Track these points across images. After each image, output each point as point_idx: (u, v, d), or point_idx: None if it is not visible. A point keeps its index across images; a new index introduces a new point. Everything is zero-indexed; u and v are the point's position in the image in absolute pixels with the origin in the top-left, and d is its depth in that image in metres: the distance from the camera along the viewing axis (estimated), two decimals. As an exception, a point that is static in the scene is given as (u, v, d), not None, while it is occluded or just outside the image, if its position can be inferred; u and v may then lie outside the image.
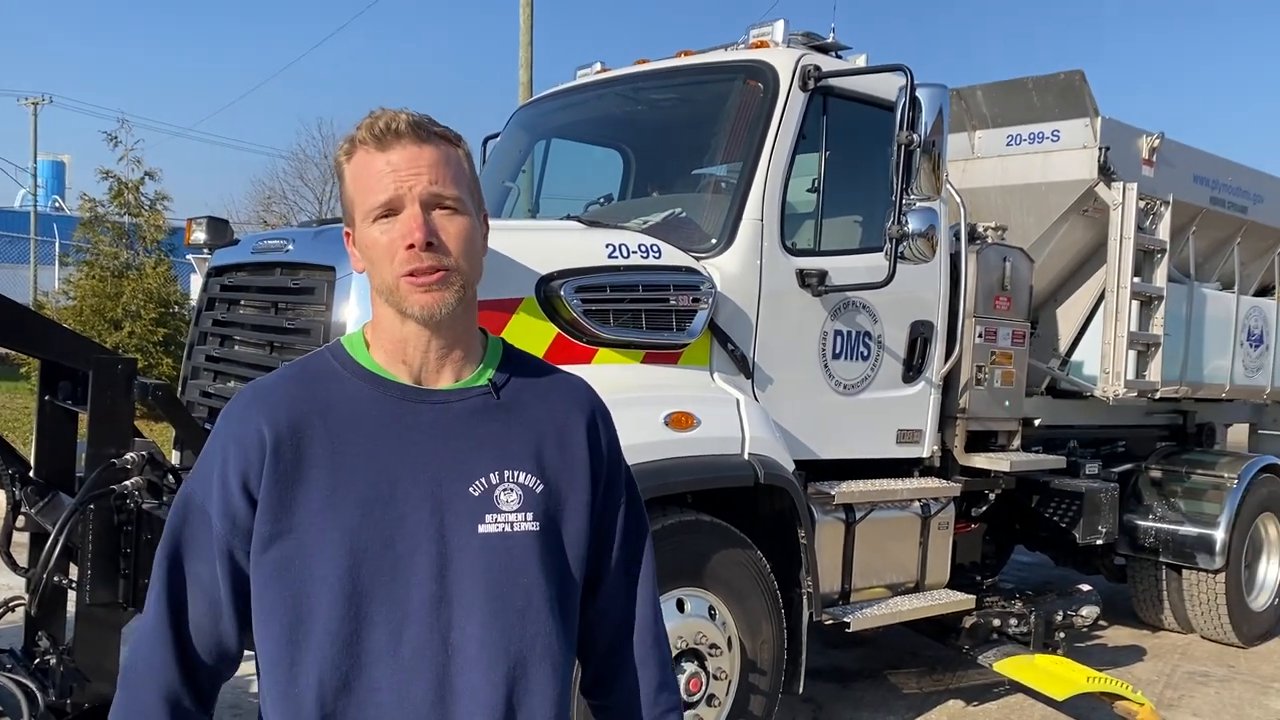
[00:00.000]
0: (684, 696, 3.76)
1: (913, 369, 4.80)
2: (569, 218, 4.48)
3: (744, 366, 4.18)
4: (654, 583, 1.65)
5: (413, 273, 1.43)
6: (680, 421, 3.74)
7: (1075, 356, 6.18)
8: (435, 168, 1.44)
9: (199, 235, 4.45)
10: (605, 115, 5.36)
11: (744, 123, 4.39)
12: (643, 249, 3.97)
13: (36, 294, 19.36)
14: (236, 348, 4.13)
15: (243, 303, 4.14)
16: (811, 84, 4.34)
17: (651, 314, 3.90)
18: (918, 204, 4.15)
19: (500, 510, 1.47)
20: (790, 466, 4.13)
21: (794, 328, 4.36)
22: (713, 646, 3.85)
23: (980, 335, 5.07)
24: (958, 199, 5.00)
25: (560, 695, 1.51)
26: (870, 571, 4.65)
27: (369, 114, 1.48)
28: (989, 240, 5.21)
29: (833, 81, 4.39)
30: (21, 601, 3.40)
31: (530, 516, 1.49)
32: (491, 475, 1.48)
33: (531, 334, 3.64)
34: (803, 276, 4.32)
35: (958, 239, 4.99)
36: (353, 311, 3.48)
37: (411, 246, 1.42)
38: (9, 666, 3.28)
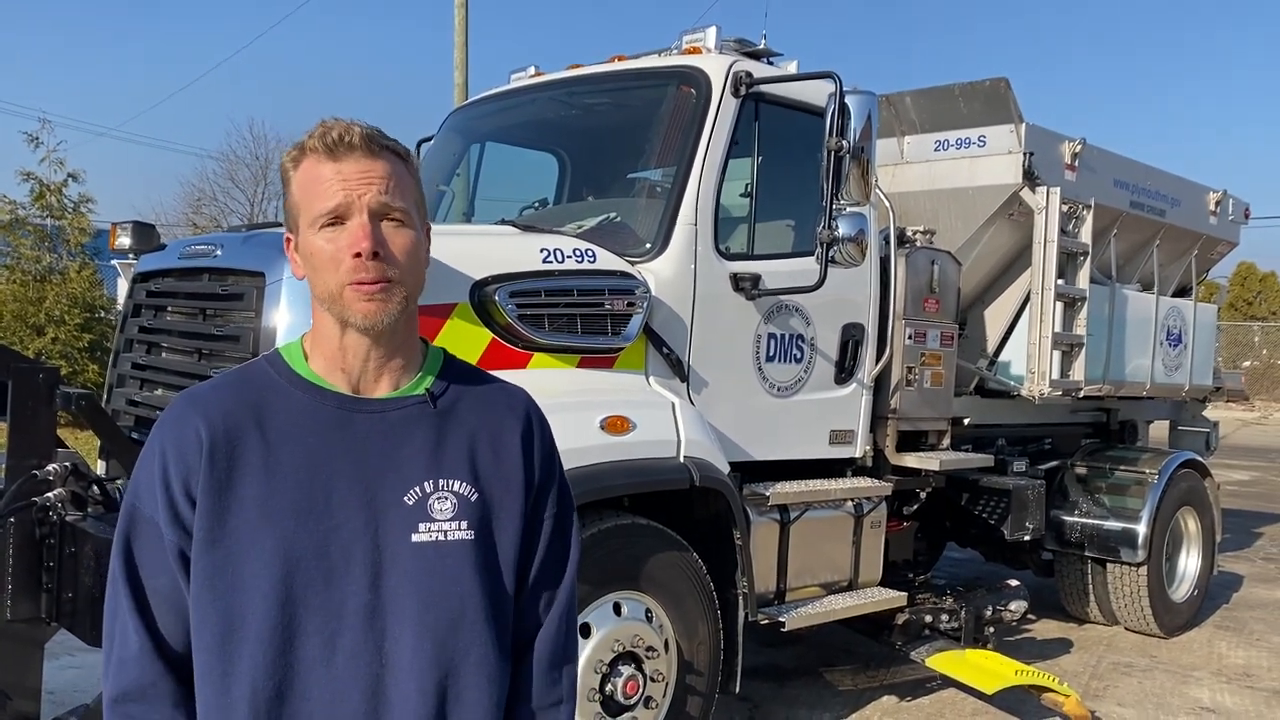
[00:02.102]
0: (621, 699, 3.78)
1: (844, 371, 4.87)
2: (503, 222, 4.48)
3: (679, 370, 4.22)
4: (572, 590, 1.64)
5: (358, 281, 1.44)
6: (616, 425, 3.76)
7: (1002, 357, 6.33)
8: (385, 180, 1.46)
9: (124, 240, 4.36)
10: (540, 119, 5.36)
11: (677, 128, 4.43)
12: (577, 253, 3.98)
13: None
14: (164, 355, 4.05)
15: (170, 309, 4.07)
16: (743, 90, 4.39)
17: (586, 318, 3.91)
18: (848, 209, 4.22)
19: (434, 519, 1.48)
20: (725, 469, 4.18)
21: (728, 331, 4.41)
22: (650, 649, 3.88)
23: (910, 337, 5.17)
24: (887, 203, 5.09)
25: (495, 706, 1.52)
26: (805, 571, 4.72)
27: (320, 123, 1.49)
28: (918, 244, 5.31)
29: (764, 87, 4.44)
30: (-62, 618, 3.30)
31: (465, 525, 1.50)
32: (426, 484, 1.49)
33: (466, 339, 3.63)
34: (736, 280, 4.37)
35: (887, 243, 5.08)
36: (283, 317, 3.44)
37: (358, 255, 1.44)
38: (-75, 685, 3.18)
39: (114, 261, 4.63)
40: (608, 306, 3.95)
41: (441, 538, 1.48)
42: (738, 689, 4.25)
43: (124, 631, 1.48)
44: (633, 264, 4.12)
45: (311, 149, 1.47)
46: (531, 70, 5.38)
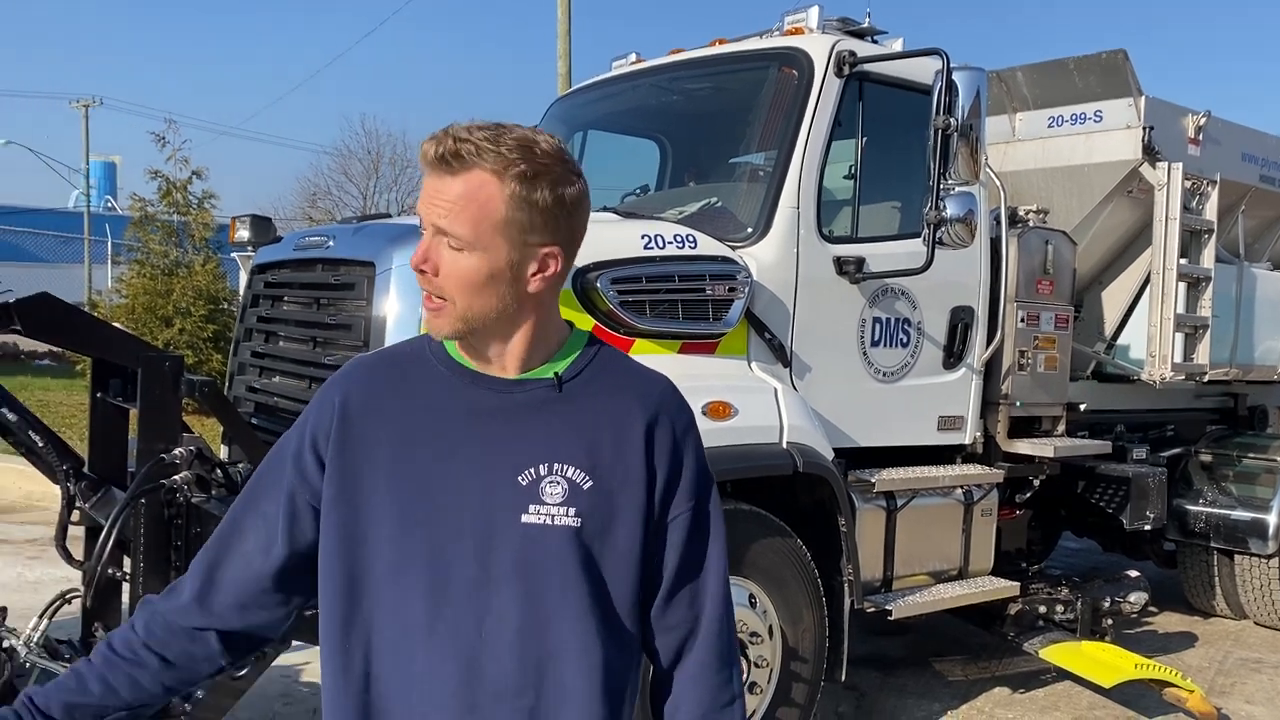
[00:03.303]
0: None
1: (953, 355, 4.76)
2: (604, 209, 4.50)
3: (781, 355, 4.18)
4: (724, 591, 1.61)
5: (425, 293, 1.50)
6: (717, 411, 3.75)
7: (1121, 340, 6.09)
8: (451, 203, 1.45)
9: (243, 233, 4.54)
10: (641, 105, 5.37)
11: (779, 110, 4.38)
12: (678, 239, 3.98)
13: (91, 293, 19.76)
14: (281, 343, 4.21)
15: (286, 299, 4.22)
16: (846, 70, 4.31)
17: (688, 304, 3.91)
18: (956, 189, 4.12)
19: (544, 502, 1.48)
20: (829, 455, 4.13)
21: (832, 315, 4.35)
22: (753, 635, 3.87)
23: (1022, 320, 5.02)
24: (997, 182, 4.95)
25: (601, 695, 1.51)
26: (912, 559, 4.63)
27: (439, 130, 1.49)
28: (1030, 224, 5.15)
29: (868, 67, 4.36)
30: (78, 593, 3.49)
31: (573, 512, 1.49)
32: (541, 467, 1.49)
33: (568, 326, 3.66)
34: (840, 264, 4.30)
35: (998, 223, 4.94)
36: (392, 306, 3.53)
37: (416, 267, 1.50)
38: (68, 657, 3.37)
39: (234, 254, 4.83)
40: (709, 292, 3.93)
41: (549, 522, 1.48)
42: (844, 677, 4.21)
43: (215, 532, 1.64)
44: (734, 249, 4.10)
45: (420, 157, 1.51)
46: (633, 57, 5.39)
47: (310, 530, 1.57)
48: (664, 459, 1.55)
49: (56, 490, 3.66)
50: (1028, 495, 5.35)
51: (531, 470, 1.49)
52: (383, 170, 32.64)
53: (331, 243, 3.91)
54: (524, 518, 1.48)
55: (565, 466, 1.50)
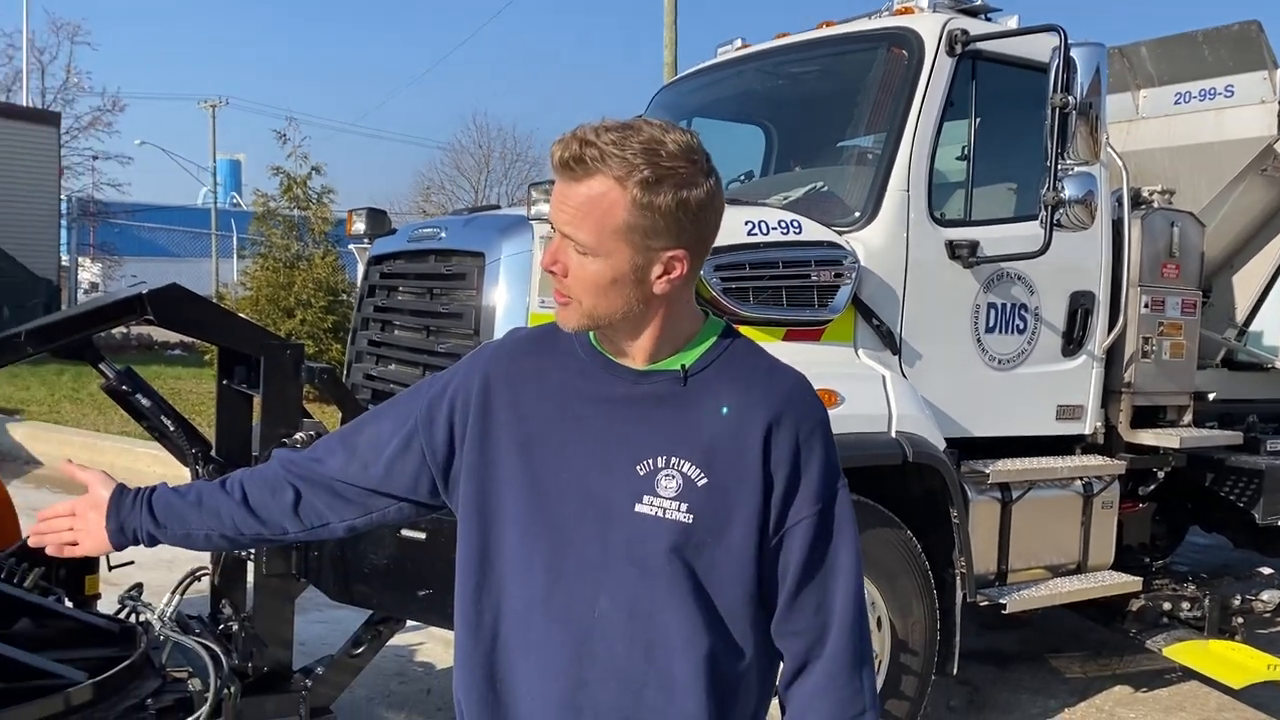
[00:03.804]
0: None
1: (1073, 342, 4.61)
2: (710, 196, 4.48)
3: (890, 342, 4.11)
4: (854, 599, 1.57)
5: (554, 288, 1.54)
6: (823, 399, 3.70)
7: (1254, 326, 5.79)
8: (577, 208, 1.46)
9: (359, 226, 4.67)
10: (746, 91, 5.33)
11: (888, 92, 4.30)
12: (782, 225, 3.94)
13: (218, 285, 20.63)
14: (396, 332, 4.32)
15: (400, 289, 4.33)
16: (959, 49, 4.20)
17: (792, 290, 3.87)
18: (1075, 169, 3.97)
19: (657, 495, 1.50)
20: (941, 444, 4.04)
21: (944, 301, 4.25)
22: (857, 626, 3.81)
23: (1146, 305, 4.81)
24: (1119, 162, 4.75)
25: (704, 688, 1.50)
26: (1028, 552, 4.50)
27: (568, 131, 1.50)
28: (1155, 205, 4.93)
29: (981, 45, 4.23)
30: (206, 572, 3.66)
31: (684, 508, 1.49)
32: (659, 459, 1.50)
33: (673, 314, 3.66)
34: (952, 248, 4.20)
35: (1120, 204, 4.75)
36: (501, 295, 3.60)
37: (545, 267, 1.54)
38: (198, 631, 3.54)
39: (350, 246, 4.98)
40: (814, 278, 3.89)
41: (660, 514, 1.49)
42: (955, 670, 4.12)
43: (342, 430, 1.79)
44: (841, 234, 4.04)
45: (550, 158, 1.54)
46: (738, 43, 5.35)
47: (408, 474, 1.67)
48: (784, 463, 1.52)
49: (187, 473, 3.84)
50: (1152, 488, 5.14)
51: (649, 462, 1.51)
52: (493, 165, 33.22)
53: (443, 234, 3.99)
54: (637, 507, 1.50)
55: (681, 461, 1.50)
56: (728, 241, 3.85)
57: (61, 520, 1.77)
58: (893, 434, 3.89)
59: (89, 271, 35.15)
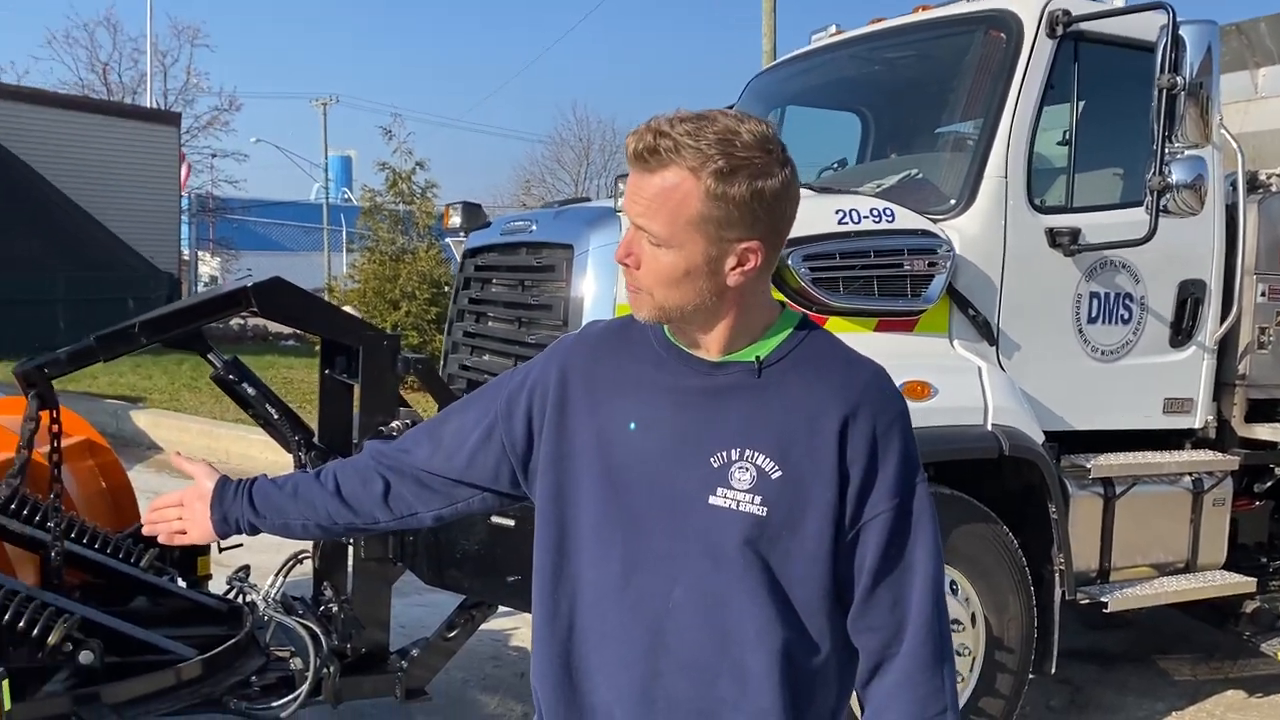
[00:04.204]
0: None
1: (1182, 332, 4.42)
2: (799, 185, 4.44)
3: (987, 333, 4.01)
4: (933, 595, 1.55)
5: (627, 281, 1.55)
6: (915, 391, 3.64)
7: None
8: (649, 201, 1.46)
9: (455, 220, 4.77)
10: (840, 78, 5.26)
11: (986, 76, 4.19)
12: (875, 213, 3.88)
13: (330, 278, 21.27)
14: (489, 324, 4.40)
15: (494, 281, 4.41)
16: (1060, 30, 4.06)
17: (884, 280, 3.81)
18: (1184, 152, 3.81)
19: (731, 487, 1.50)
20: (1039, 438, 3.93)
21: (1043, 290, 4.13)
22: (955, 622, 3.74)
23: (1263, 294, 4.59)
24: (1234, 145, 4.54)
25: (777, 681, 1.50)
26: (1132, 549, 4.35)
27: (643, 123, 1.50)
28: (1273, 189, 4.70)
29: (1084, 25, 4.09)
30: (308, 555, 3.80)
31: (758, 500, 1.49)
32: (732, 451, 1.50)
33: (761, 304, 3.65)
34: (1053, 235, 4.08)
35: (1235, 189, 4.53)
36: (589, 287, 3.63)
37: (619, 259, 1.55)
38: (300, 612, 3.68)
39: (447, 239, 5.09)
40: (907, 267, 3.82)
41: (734, 507, 1.49)
42: (1053, 669, 4.02)
43: (429, 422, 1.83)
44: (935, 222, 3.96)
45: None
46: (832, 29, 5.28)
47: (489, 464, 1.71)
48: (859, 457, 1.50)
49: (289, 459, 3.98)
50: (1268, 485, 4.90)
51: (723, 454, 1.50)
52: (593, 157, 33.46)
53: (534, 227, 4.05)
54: (711, 499, 1.50)
55: (755, 454, 1.50)
56: (817, 231, 3.81)
57: (171, 510, 1.86)
58: (988, 427, 3.80)
59: (208, 265, 36.69)
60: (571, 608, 1.59)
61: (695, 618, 1.51)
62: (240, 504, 1.80)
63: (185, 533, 1.85)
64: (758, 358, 1.54)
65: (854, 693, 1.64)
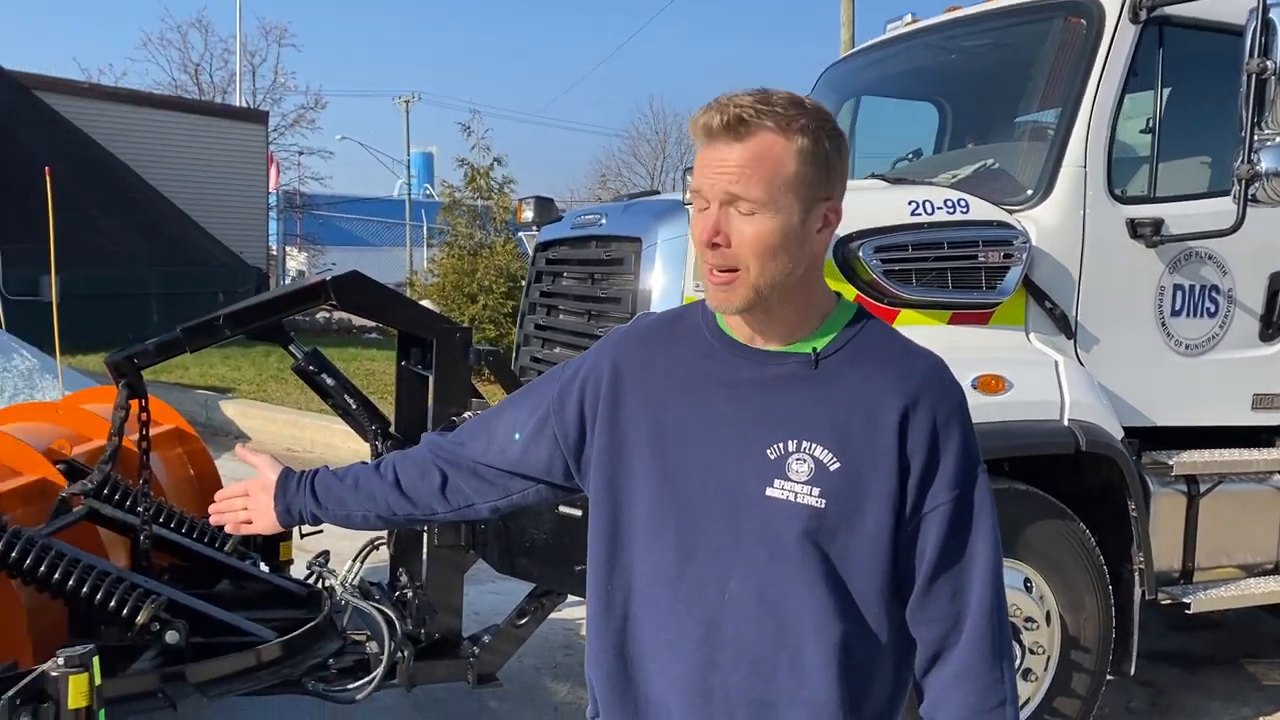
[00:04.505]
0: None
1: (1273, 326, 4.27)
2: (872, 176, 4.40)
3: (1065, 326, 3.93)
4: (990, 596, 1.54)
5: (710, 267, 1.51)
6: (989, 385, 3.59)
7: None
8: (741, 169, 1.45)
9: (527, 214, 4.83)
10: (917, 68, 5.19)
11: (1065, 63, 4.09)
12: (948, 204, 3.82)
13: (410, 273, 21.67)
14: (560, 316, 4.45)
15: (564, 274, 4.45)
16: (1143, 15, 3.95)
17: (958, 272, 3.75)
18: (1275, 140, 3.68)
19: (789, 479, 1.50)
20: (1119, 433, 3.84)
21: (1125, 283, 4.03)
22: (1028, 620, 3.68)
23: (1361, 286, 4.40)
24: (1330, 130, 4.35)
25: (835, 673, 1.50)
26: (1218, 549, 4.22)
27: (712, 101, 1.50)
28: (1372, 175, 4.49)
29: (1168, 10, 3.96)
30: (384, 541, 3.89)
31: (817, 492, 1.49)
32: (790, 442, 1.50)
33: (831, 297, 3.62)
34: (1134, 226, 3.97)
35: (1330, 176, 4.35)
36: (657, 280, 3.65)
37: (703, 242, 1.51)
38: (376, 597, 3.77)
39: (519, 234, 5.16)
40: (981, 259, 3.76)
41: (792, 498, 1.49)
42: (1133, 670, 3.92)
43: (484, 414, 1.86)
44: (1011, 212, 3.89)
45: (694, 130, 1.52)
46: (908, 18, 5.21)
47: (542, 457, 1.73)
48: (920, 448, 1.50)
49: (366, 448, 4.08)
50: (1365, 484, 4.71)
51: (780, 445, 1.50)
52: (669, 150, 33.45)
53: (604, 220, 4.08)
54: (768, 491, 1.50)
55: (813, 445, 1.50)
56: (890, 222, 3.77)
57: (236, 500, 1.92)
58: (1065, 422, 3.72)
59: (295, 260, 37.62)
60: (626, 598, 1.60)
61: (751, 610, 1.51)
62: (303, 495, 1.85)
63: (251, 523, 1.90)
64: (814, 349, 1.54)
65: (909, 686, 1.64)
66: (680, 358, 1.61)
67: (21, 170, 13.18)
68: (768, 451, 1.50)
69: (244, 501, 1.91)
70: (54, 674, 2.56)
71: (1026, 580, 3.71)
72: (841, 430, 1.49)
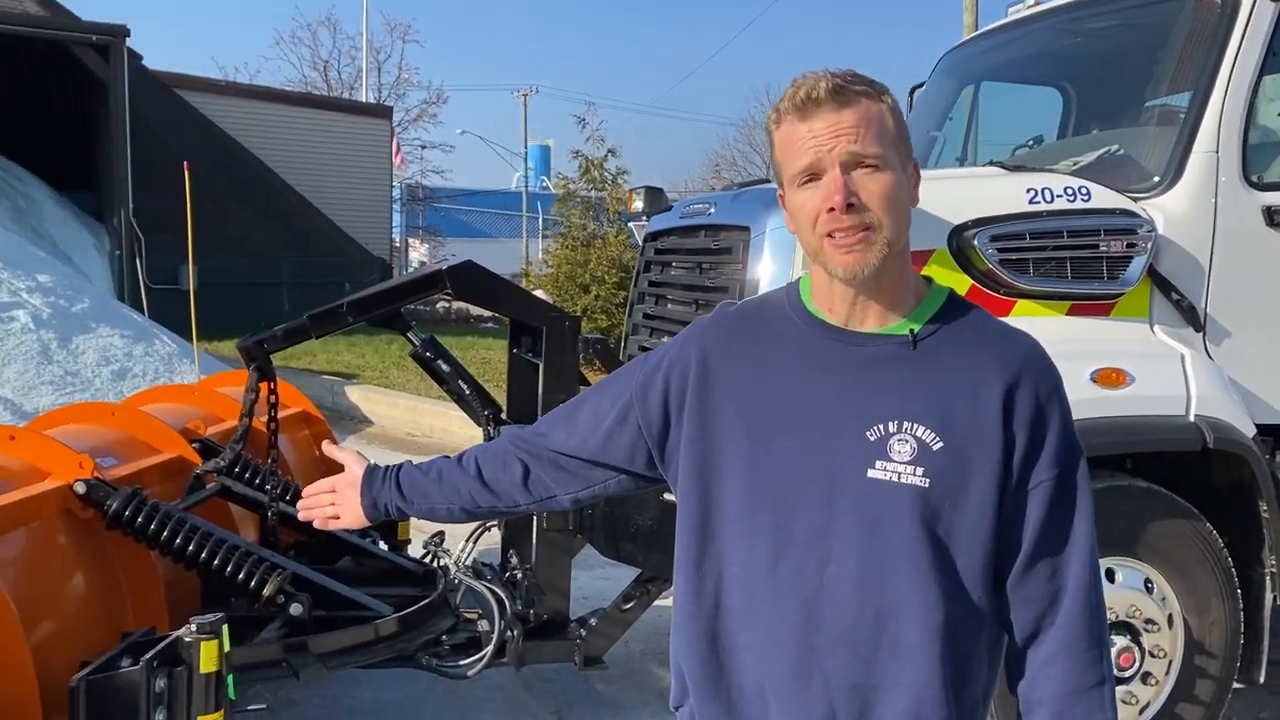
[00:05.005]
0: (1115, 672, 3.51)
1: None
2: (991, 163, 4.29)
3: (1192, 318, 3.76)
4: (1089, 574, 1.55)
5: (832, 233, 1.51)
6: (1109, 378, 3.47)
7: None
8: (855, 129, 1.49)
9: (637, 204, 4.87)
10: (1039, 51, 5.03)
11: (1196, 45, 3.91)
12: (1069, 192, 3.70)
13: (525, 263, 22.03)
14: (669, 306, 4.47)
15: (673, 264, 4.48)
16: (1284, -9, 3.75)
17: (1078, 261, 3.63)
18: None
19: (891, 460, 1.50)
20: (1250, 431, 3.66)
21: (1260, 273, 3.83)
22: (1149, 622, 3.55)
23: None
24: None
25: (936, 655, 1.50)
26: (1360, 555, 3.99)
27: (791, 83, 1.55)
28: None
29: (1313, -15, 3.76)
30: (496, 524, 4.00)
31: (920, 472, 1.49)
32: (890, 424, 1.51)
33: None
34: (1271, 214, 3.78)
35: None
36: (766, 268, 3.64)
37: (832, 209, 1.50)
38: (488, 578, 3.88)
39: (629, 224, 5.21)
40: (1103, 248, 3.63)
41: (895, 479, 1.49)
42: (1262, 679, 3.74)
43: (565, 406, 1.88)
44: (1136, 200, 3.75)
45: (785, 111, 1.54)
46: (1030, 0, 5.06)
47: (624, 446, 1.73)
48: (1024, 424, 1.50)
49: (479, 433, 4.19)
50: None
51: (880, 427, 1.51)
52: (786, 138, 33.06)
53: (712, 209, 4.09)
54: (870, 473, 1.50)
55: (915, 426, 1.50)
56: (1007, 210, 3.68)
57: (324, 496, 1.95)
58: (1190, 417, 3.57)
59: (418, 251, 38.65)
60: (717, 586, 1.60)
61: (851, 593, 1.50)
62: (389, 489, 1.88)
63: (338, 517, 1.93)
64: (912, 331, 1.55)
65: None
66: (768, 344, 1.62)
67: (164, 166, 13.90)
68: (867, 434, 1.51)
69: (331, 497, 1.94)
70: (188, 640, 2.72)
71: (1148, 581, 3.58)
72: (944, 410, 1.50)
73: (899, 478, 1.49)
